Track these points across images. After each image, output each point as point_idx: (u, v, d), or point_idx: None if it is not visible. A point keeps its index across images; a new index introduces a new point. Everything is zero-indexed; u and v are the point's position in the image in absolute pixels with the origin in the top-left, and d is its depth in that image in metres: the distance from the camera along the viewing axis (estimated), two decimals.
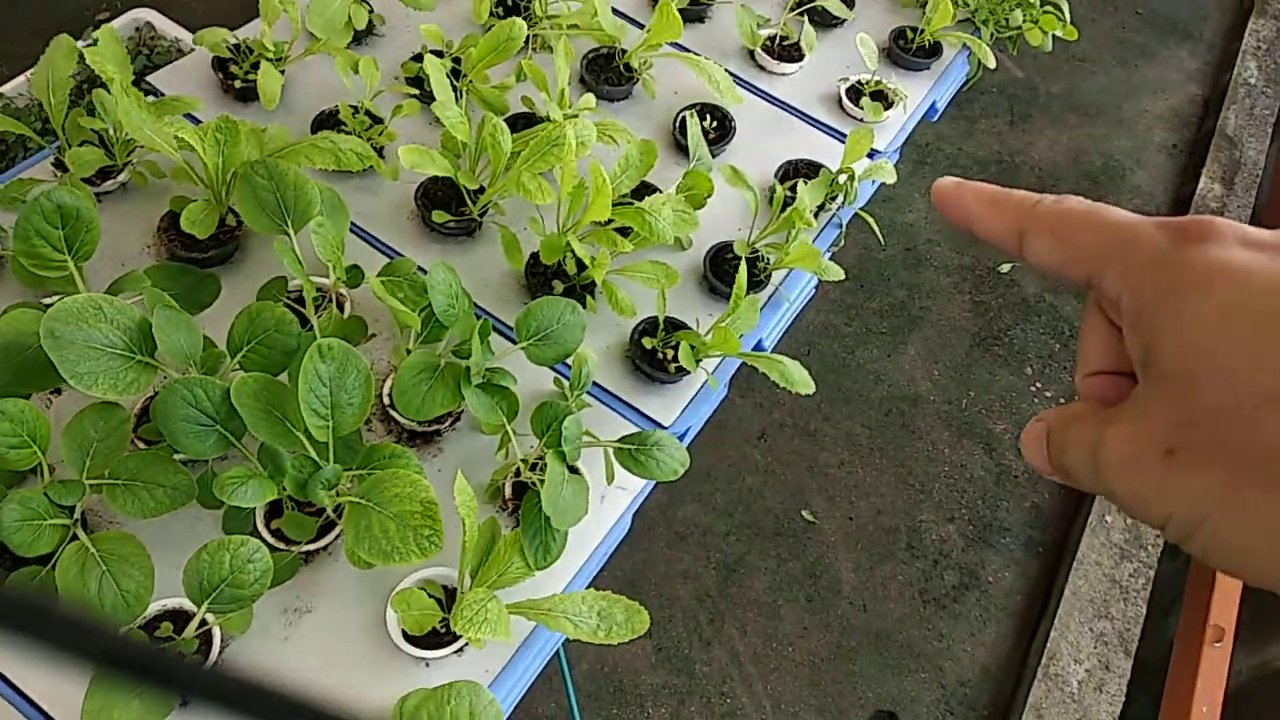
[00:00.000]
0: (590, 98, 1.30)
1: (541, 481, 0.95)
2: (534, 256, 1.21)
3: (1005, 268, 2.60)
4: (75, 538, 0.88)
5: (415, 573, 0.98)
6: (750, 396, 2.24)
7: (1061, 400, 2.38)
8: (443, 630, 0.96)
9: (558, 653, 0.90)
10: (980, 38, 1.61)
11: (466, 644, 0.96)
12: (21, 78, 2.08)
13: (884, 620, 1.97)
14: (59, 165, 1.18)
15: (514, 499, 1.05)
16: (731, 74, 1.42)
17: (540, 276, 1.21)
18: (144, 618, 0.92)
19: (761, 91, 1.51)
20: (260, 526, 0.98)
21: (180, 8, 2.60)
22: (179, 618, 0.93)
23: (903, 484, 2.17)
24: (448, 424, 1.09)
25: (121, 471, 0.90)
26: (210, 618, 0.90)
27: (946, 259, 2.59)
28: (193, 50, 1.37)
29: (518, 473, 1.03)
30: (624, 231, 1.16)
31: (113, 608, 0.85)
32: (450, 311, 1.01)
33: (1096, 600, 1.98)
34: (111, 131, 1.15)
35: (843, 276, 1.22)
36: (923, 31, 1.59)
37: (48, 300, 1.04)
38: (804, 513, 2.09)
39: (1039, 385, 2.37)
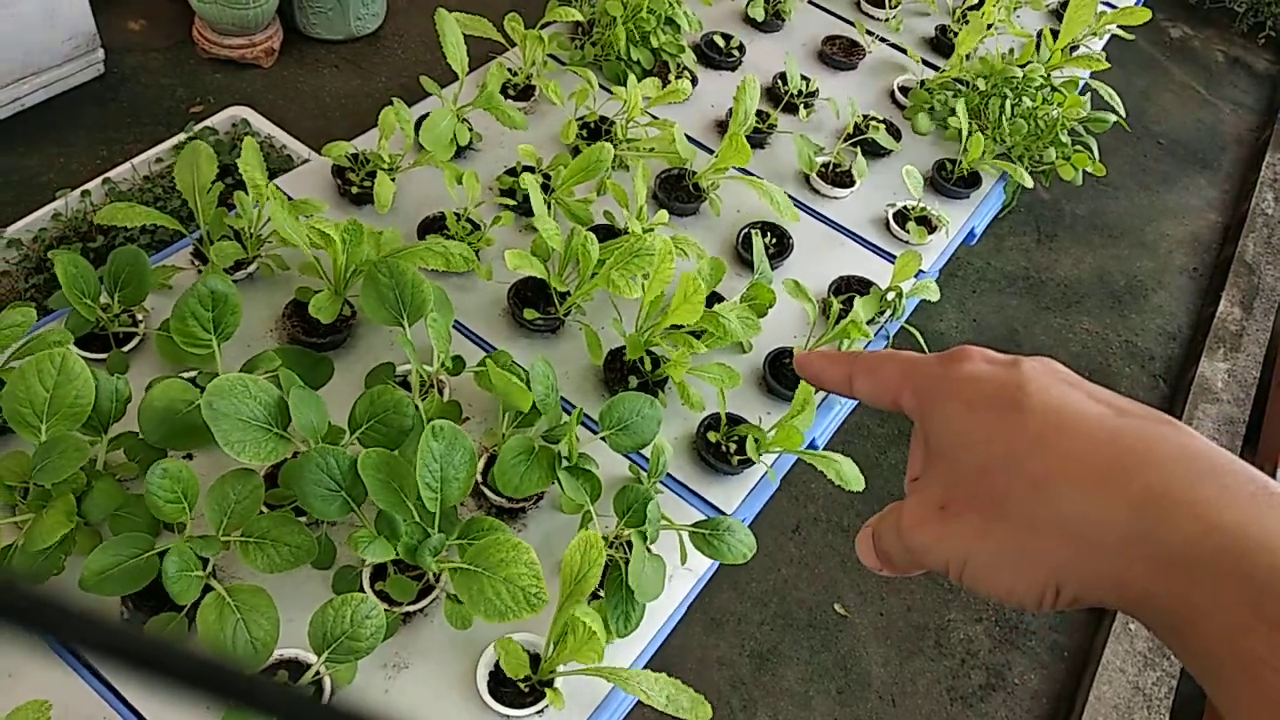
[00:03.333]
0: (664, 214, 1.45)
1: (624, 559, 1.05)
2: (613, 353, 1.34)
3: None
4: (210, 588, 0.99)
5: (505, 635, 1.08)
6: (786, 490, 2.34)
7: None
8: (526, 691, 1.06)
9: None
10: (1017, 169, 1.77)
11: (547, 705, 1.05)
12: (127, 164, 2.28)
13: (912, 716, 2.02)
14: (198, 255, 1.33)
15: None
16: (790, 196, 1.57)
17: (617, 371, 1.33)
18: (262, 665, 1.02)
19: (816, 213, 1.66)
20: (367, 588, 1.09)
21: (267, 105, 2.83)
22: (293, 667, 1.03)
23: (932, 582, 2.24)
24: (533, 502, 1.20)
25: (254, 530, 1.01)
26: (324, 669, 1.00)
27: None
28: (305, 160, 1.54)
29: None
30: (696, 334, 1.29)
31: (243, 652, 0.95)
32: (547, 400, 1.14)
33: (1120, 707, 2.03)
34: (247, 228, 1.31)
35: None
36: (960, 163, 1.75)
37: (185, 374, 1.17)
38: (836, 606, 2.16)
39: None
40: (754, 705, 1.98)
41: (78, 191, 2.15)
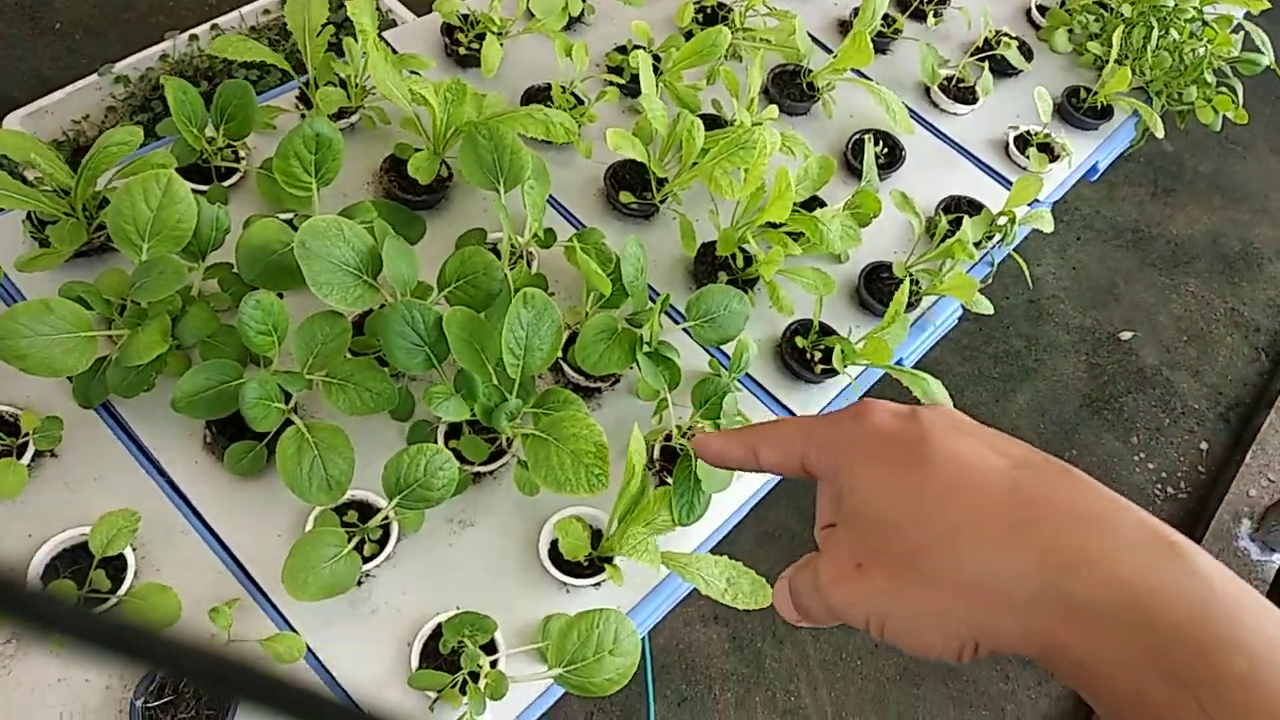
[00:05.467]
0: (774, 109, 1.39)
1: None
2: (705, 246, 1.31)
3: (1126, 335, 2.60)
4: (291, 422, 1.01)
5: (569, 508, 1.08)
6: None
7: (1164, 474, 2.37)
8: (585, 564, 1.07)
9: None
10: (1151, 107, 1.65)
11: (605, 579, 1.06)
12: (235, 13, 2.27)
13: None
14: (303, 99, 1.32)
15: (661, 460, 1.14)
16: (907, 107, 1.49)
17: (708, 266, 1.30)
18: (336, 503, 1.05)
19: (932, 127, 1.58)
20: (441, 444, 1.09)
21: None
22: (363, 508, 1.05)
23: None
24: (610, 384, 1.19)
25: (338, 372, 1.02)
26: (393, 513, 1.02)
27: (1068, 317, 2.61)
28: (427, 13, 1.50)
29: (668, 438, 1.13)
30: (793, 236, 1.25)
31: (319, 489, 0.97)
32: (635, 283, 1.11)
33: None
34: (353, 77, 1.29)
35: (991, 311, 1.28)
36: (1096, 93, 1.64)
37: (283, 215, 1.18)
38: None
39: (1142, 456, 2.38)
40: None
41: (186, 35, 2.16)
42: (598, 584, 1.06)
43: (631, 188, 1.34)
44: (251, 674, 0.22)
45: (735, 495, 1.14)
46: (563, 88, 1.38)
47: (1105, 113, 1.65)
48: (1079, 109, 1.64)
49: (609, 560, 1.07)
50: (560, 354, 1.19)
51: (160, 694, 0.90)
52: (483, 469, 1.09)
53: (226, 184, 1.23)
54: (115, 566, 0.95)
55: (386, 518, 1.02)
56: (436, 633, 0.99)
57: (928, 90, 1.61)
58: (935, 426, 0.40)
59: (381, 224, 1.09)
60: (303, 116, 1.32)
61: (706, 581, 1.01)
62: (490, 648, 0.97)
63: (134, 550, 0.96)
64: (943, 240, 1.32)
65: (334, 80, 1.30)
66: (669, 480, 1.13)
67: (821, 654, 1.96)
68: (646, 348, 1.11)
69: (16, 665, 0.90)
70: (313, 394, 1.10)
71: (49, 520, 0.97)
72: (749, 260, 1.30)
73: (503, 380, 1.04)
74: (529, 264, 1.25)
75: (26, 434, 0.99)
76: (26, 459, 0.99)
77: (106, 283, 1.04)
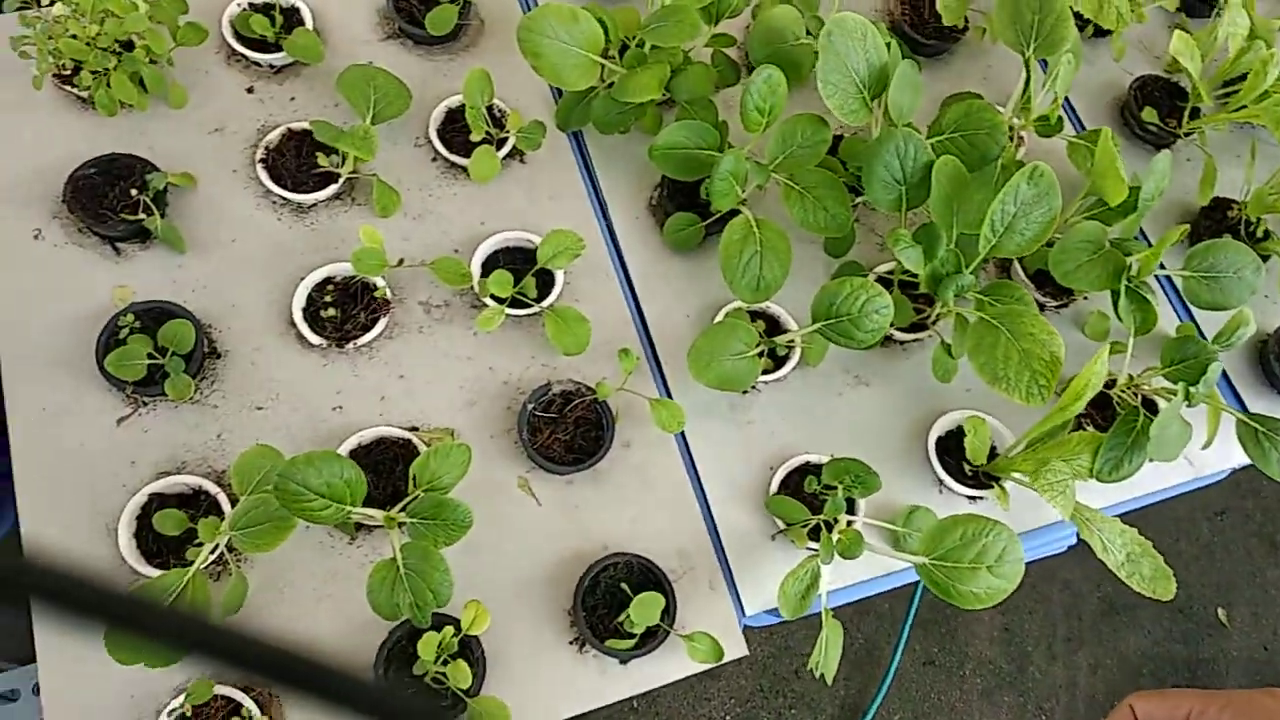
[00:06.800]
0: None
1: (1146, 406, 0.90)
2: (1216, 201, 1.11)
3: None
4: (739, 212, 0.97)
5: (966, 410, 0.99)
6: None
7: None
8: (969, 473, 0.97)
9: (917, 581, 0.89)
10: None
11: (986, 497, 0.96)
12: None
13: None
14: None
15: (1091, 407, 1.01)
16: None
17: (1214, 224, 1.11)
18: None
19: None
20: None
21: None
22: (771, 323, 1.02)
23: None
24: (1066, 304, 1.06)
25: (804, 179, 0.97)
26: (800, 339, 0.97)
27: None
28: None
29: (1110, 384, 0.99)
30: None
31: (748, 286, 0.94)
32: (1149, 201, 0.96)
33: None
34: None
35: None
36: None
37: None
38: (1220, 611, 1.86)
39: None
40: (1080, 643, 1.80)
41: None
42: (972, 498, 0.97)
43: (1156, 105, 1.16)
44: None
45: (1162, 475, 0.99)
46: None
47: None
48: None
49: (996, 480, 0.97)
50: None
51: (548, 407, 0.93)
52: (900, 334, 1.01)
53: None
54: (544, 281, 0.98)
55: (792, 340, 0.98)
56: (799, 469, 0.94)
57: None
58: None
59: (897, 44, 1.01)
60: None
61: (1105, 546, 0.88)
62: (849, 507, 0.91)
63: (563, 273, 0.98)
64: None
65: None
66: (1086, 427, 1.00)
67: (1093, 688, 1.76)
68: (1129, 282, 0.97)
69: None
70: (763, 195, 1.07)
71: (505, 217, 1.02)
72: (1267, 235, 1.09)
73: (967, 250, 0.94)
74: (1016, 148, 1.12)
75: (508, 131, 1.04)
76: (502, 153, 1.03)
77: (622, 17, 1.04)
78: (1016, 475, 0.94)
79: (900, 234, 0.91)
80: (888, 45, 0.99)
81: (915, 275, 0.98)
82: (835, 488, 0.88)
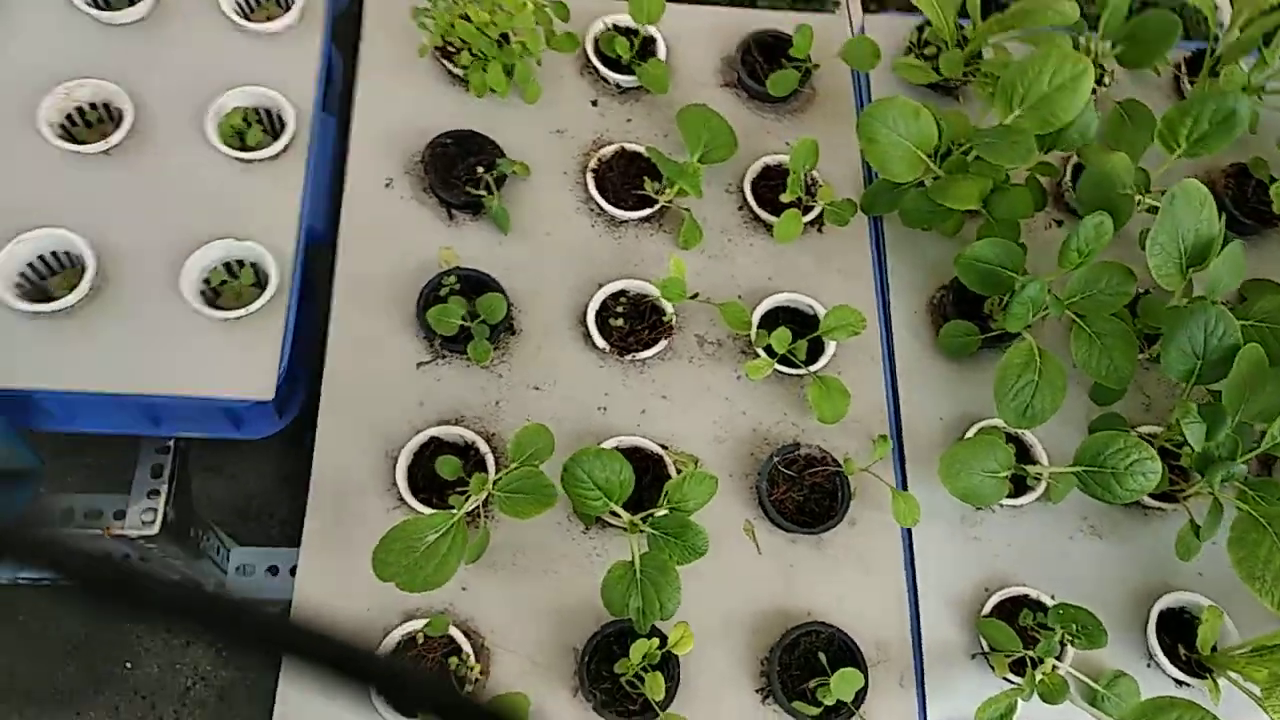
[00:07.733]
0: None
1: None
2: None
3: None
4: (1025, 338, 0.99)
5: (1192, 594, 0.97)
6: None
7: None
8: (1181, 658, 0.96)
9: None
10: None
11: (1198, 685, 0.94)
12: None
13: None
14: None
15: None
16: None
17: None
18: None
19: None
20: None
21: None
22: (1021, 448, 1.03)
23: None
24: None
25: (1095, 320, 0.98)
26: (1049, 474, 0.98)
27: None
28: None
29: None
30: None
31: (1019, 410, 0.95)
32: None
33: None
34: None
35: None
36: None
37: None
38: None
39: None
40: None
41: None
42: (1180, 682, 0.95)
43: None
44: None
45: None
46: None
47: None
48: None
49: (1209, 671, 0.95)
50: None
51: (791, 465, 0.98)
52: (1149, 500, 1.00)
53: None
54: (814, 348, 1.03)
55: (1041, 474, 0.99)
56: (1016, 599, 0.95)
57: None
58: None
59: (1223, 222, 1.00)
60: None
61: None
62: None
63: (835, 344, 1.03)
64: None
65: None
66: None
67: None
68: None
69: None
70: (1043, 324, 1.08)
71: (792, 278, 1.08)
72: None
73: (1244, 439, 0.93)
74: None
75: (817, 201, 1.09)
76: (807, 219, 1.08)
77: (954, 122, 1.08)
78: (1233, 674, 0.92)
79: (1189, 407, 0.91)
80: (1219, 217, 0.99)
81: (1179, 446, 0.97)
82: (1054, 630, 0.89)
